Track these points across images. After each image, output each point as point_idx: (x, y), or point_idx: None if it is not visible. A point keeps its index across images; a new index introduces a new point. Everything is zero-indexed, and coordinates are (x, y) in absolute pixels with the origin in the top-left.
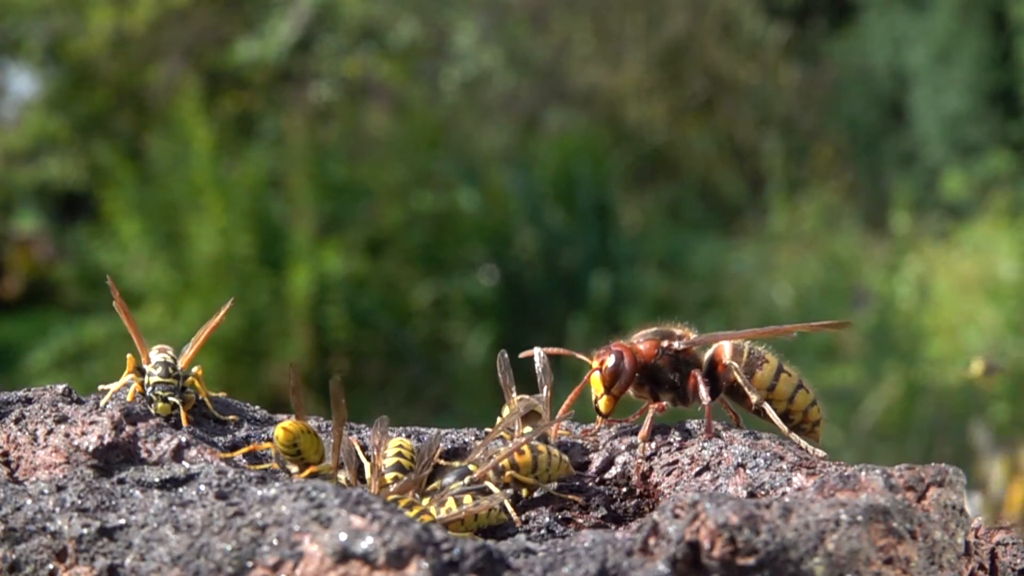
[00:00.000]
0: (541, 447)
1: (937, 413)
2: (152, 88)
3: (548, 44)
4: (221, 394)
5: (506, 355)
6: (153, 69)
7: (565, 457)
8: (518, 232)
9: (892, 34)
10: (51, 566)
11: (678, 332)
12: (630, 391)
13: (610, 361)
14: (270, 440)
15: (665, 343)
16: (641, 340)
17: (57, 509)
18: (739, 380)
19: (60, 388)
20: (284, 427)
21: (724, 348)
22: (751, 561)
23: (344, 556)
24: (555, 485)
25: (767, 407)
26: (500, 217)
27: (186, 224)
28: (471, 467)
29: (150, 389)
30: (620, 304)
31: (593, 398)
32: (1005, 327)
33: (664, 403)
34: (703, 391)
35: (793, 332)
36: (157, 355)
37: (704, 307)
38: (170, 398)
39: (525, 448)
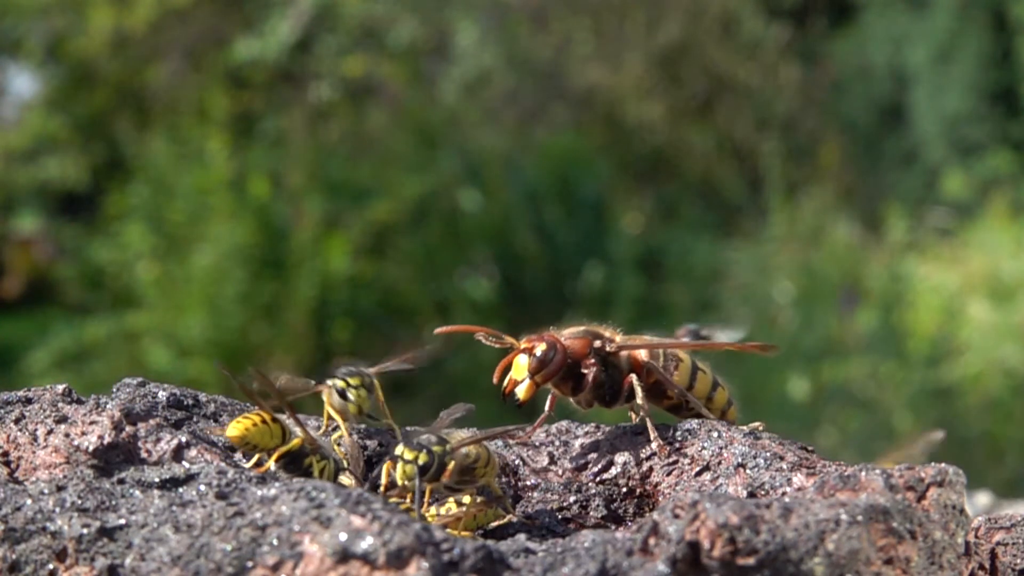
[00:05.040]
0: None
1: (939, 413)
2: (152, 88)
3: (548, 44)
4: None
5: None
6: (153, 69)
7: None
8: (518, 232)
9: (892, 34)
10: (51, 566)
11: (606, 333)
12: (548, 384)
13: (542, 349)
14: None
15: (597, 343)
16: (571, 337)
17: (57, 509)
18: (658, 378)
19: (60, 388)
20: (229, 435)
21: (639, 351)
22: (751, 561)
23: (344, 556)
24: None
25: (689, 396)
26: (500, 217)
27: (194, 225)
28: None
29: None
30: (618, 304)
31: (509, 380)
32: (1006, 327)
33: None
34: (641, 400)
35: (719, 348)
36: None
37: (702, 308)
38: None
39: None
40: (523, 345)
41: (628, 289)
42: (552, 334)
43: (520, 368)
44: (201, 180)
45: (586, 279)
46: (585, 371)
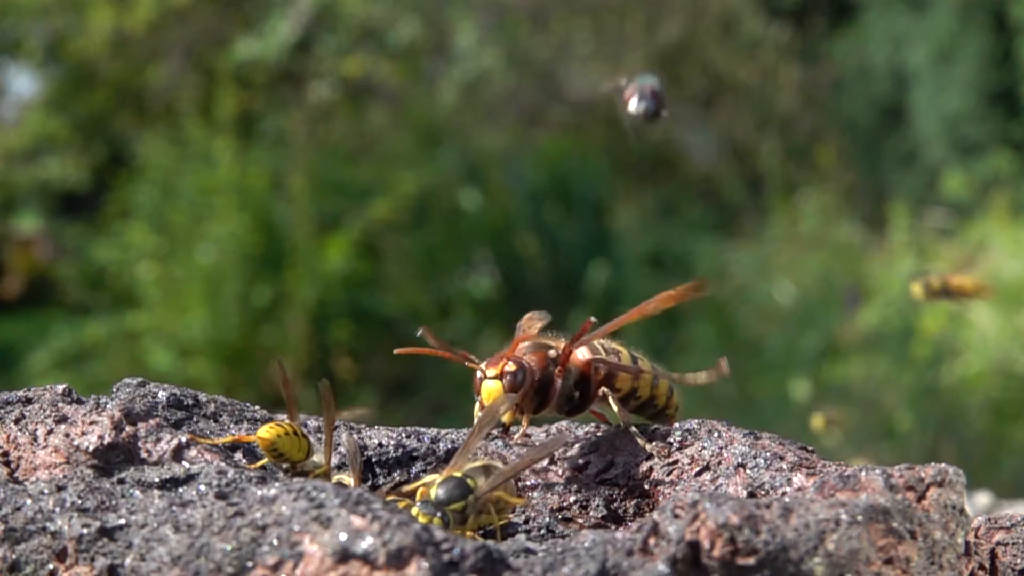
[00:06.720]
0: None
1: (939, 413)
2: (152, 88)
3: (548, 44)
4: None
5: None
6: (153, 69)
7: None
8: (518, 232)
9: (892, 34)
10: (51, 566)
11: (552, 342)
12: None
13: (512, 369)
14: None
15: (552, 353)
16: (528, 352)
17: (57, 509)
18: (607, 371)
19: (60, 388)
20: (260, 436)
21: (577, 352)
22: (751, 561)
23: (344, 556)
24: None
25: (611, 399)
26: (500, 217)
27: (196, 224)
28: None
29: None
30: (618, 304)
31: (482, 407)
32: (1007, 327)
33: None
34: (617, 408)
35: (657, 307)
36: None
37: (702, 308)
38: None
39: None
40: (486, 369)
41: (635, 288)
42: (510, 353)
43: (492, 392)
44: (206, 180)
45: (590, 278)
46: (550, 383)
